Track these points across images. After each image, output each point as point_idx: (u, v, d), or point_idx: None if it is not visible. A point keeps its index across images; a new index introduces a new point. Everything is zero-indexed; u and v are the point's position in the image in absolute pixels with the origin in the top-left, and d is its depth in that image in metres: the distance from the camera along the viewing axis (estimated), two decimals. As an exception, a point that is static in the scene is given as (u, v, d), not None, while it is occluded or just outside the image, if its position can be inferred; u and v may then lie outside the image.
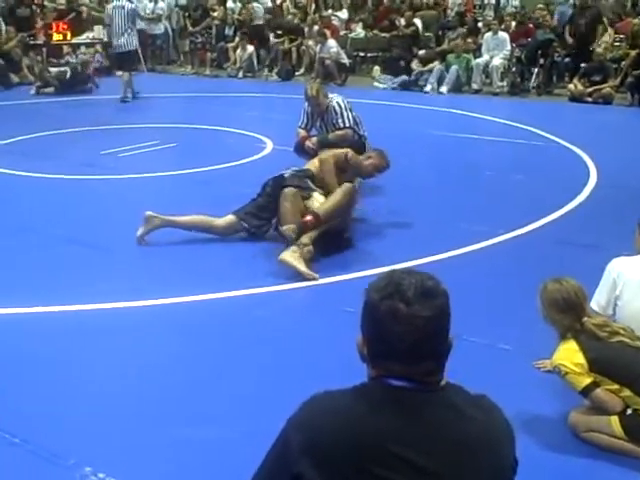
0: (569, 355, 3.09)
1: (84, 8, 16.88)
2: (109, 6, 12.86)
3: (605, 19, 14.16)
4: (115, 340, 4.08)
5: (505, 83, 13.54)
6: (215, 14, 17.65)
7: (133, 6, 12.64)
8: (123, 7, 12.16)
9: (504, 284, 4.85)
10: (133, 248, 5.50)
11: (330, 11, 18.49)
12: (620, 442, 3.01)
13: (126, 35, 12.16)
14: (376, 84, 14.29)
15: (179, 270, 5.07)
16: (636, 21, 13.79)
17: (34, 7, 16.31)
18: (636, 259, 3.43)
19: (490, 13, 19.22)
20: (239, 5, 18.16)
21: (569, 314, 3.15)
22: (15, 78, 13.99)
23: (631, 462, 3.00)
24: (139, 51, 13.79)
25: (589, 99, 12.23)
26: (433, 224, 6.05)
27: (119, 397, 3.51)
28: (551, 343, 3.88)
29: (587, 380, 3.04)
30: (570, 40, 13.68)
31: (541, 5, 14.93)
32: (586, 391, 3.06)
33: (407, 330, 1.54)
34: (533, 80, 13.51)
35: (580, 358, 3.05)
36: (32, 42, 15.11)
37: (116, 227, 5.95)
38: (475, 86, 13.55)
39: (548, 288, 3.26)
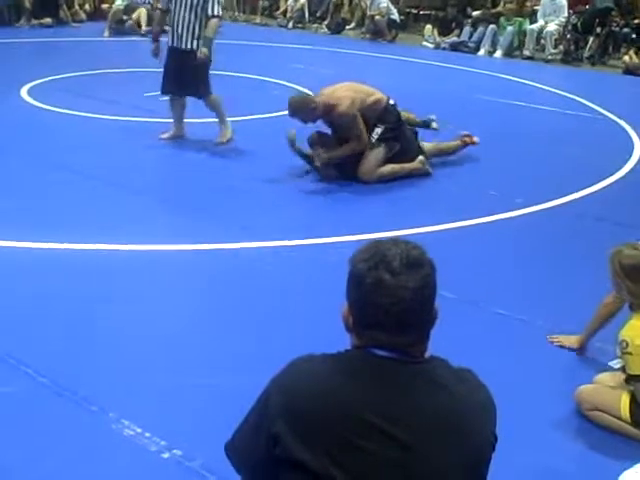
0: None
1: None
2: None
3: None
4: (142, 284, 4.15)
5: (558, 50, 13.21)
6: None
7: None
8: None
9: (530, 255, 4.82)
10: (169, 192, 5.63)
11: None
12: (623, 424, 2.98)
13: None
14: (425, 43, 14.07)
15: (210, 216, 5.14)
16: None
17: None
18: None
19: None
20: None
21: None
22: (67, 15, 14.02)
23: (632, 444, 2.98)
24: None
25: (644, 73, 11.90)
26: (465, 190, 6.01)
27: (143, 344, 3.55)
28: (569, 317, 3.89)
29: None
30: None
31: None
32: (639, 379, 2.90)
33: (393, 301, 1.54)
34: (588, 49, 13.17)
35: None
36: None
37: (154, 171, 6.06)
38: (527, 52, 13.24)
39: (625, 253, 2.99)
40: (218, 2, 6.50)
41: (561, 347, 3.61)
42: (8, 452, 2.76)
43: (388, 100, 5.99)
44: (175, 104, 6.70)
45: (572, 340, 3.61)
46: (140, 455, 2.78)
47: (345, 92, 5.81)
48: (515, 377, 3.34)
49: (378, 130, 5.87)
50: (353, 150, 5.88)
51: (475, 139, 6.74)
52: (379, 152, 5.89)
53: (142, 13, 13.47)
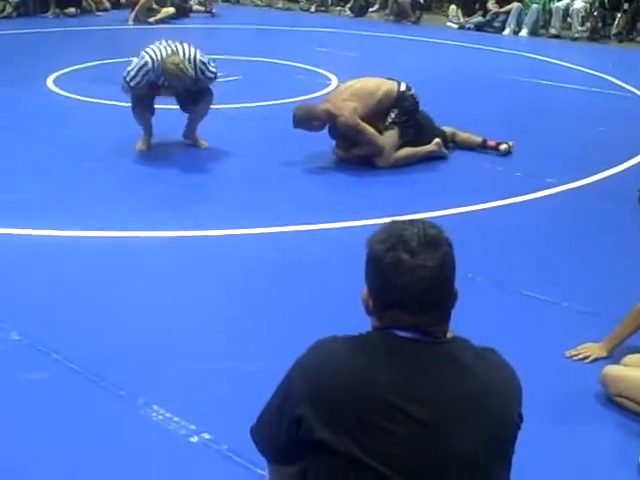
0: None
1: None
2: None
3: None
4: (168, 270, 4.16)
5: (585, 28, 13.00)
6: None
7: None
8: None
9: (559, 236, 4.77)
10: (196, 179, 5.67)
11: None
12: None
13: None
14: (449, 24, 13.93)
15: (235, 202, 5.17)
16: None
17: None
18: None
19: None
20: None
21: None
22: (90, 4, 14.04)
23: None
24: None
25: (673, 48, 11.69)
26: (492, 170, 5.97)
27: (170, 329, 3.56)
28: (596, 298, 3.84)
29: None
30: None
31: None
32: None
33: (412, 280, 1.53)
34: (615, 26, 12.94)
35: None
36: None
37: (179, 158, 6.08)
38: (553, 31, 13.04)
39: None
40: (209, 63, 5.96)
41: (585, 360, 3.31)
42: (39, 438, 2.80)
43: (399, 87, 5.86)
44: None
45: (596, 349, 3.32)
46: (169, 439, 2.80)
47: (345, 101, 5.70)
48: (543, 358, 3.32)
49: (392, 114, 5.83)
50: (369, 152, 5.86)
51: (502, 147, 6.28)
52: (392, 135, 5.82)
53: (170, 11, 13.53)
